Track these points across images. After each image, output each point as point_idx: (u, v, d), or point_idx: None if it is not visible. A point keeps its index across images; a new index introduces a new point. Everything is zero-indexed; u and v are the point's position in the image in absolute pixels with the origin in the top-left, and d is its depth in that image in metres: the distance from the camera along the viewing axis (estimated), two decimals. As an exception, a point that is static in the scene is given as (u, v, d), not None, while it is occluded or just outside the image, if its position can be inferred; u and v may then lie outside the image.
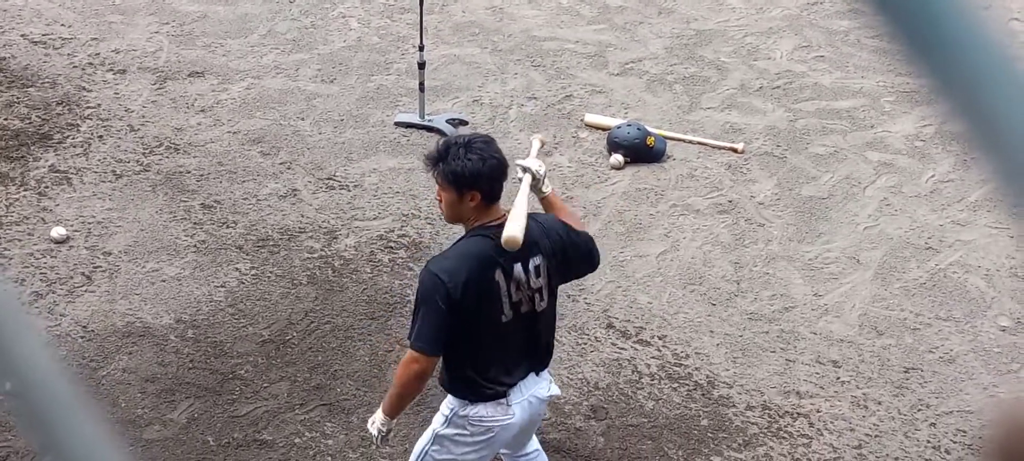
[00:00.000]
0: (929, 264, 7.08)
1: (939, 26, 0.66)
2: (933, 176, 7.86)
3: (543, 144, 5.00)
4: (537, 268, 4.51)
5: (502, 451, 4.92)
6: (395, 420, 4.70)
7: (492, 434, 4.59)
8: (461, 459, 4.64)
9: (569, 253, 4.63)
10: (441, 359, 4.54)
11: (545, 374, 4.72)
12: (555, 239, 4.59)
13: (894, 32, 0.67)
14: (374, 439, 4.71)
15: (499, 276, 4.41)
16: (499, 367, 4.53)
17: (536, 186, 4.70)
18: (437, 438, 4.66)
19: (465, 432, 4.59)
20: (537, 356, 4.66)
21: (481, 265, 4.38)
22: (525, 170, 4.68)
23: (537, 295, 4.53)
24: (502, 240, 4.32)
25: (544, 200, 4.83)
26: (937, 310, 6.72)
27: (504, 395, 4.55)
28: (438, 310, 4.34)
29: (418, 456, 4.73)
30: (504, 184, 4.50)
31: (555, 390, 4.81)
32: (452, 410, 4.59)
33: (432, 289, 4.35)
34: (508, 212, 4.45)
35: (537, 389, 4.66)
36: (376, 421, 4.65)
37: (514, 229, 4.33)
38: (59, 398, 0.78)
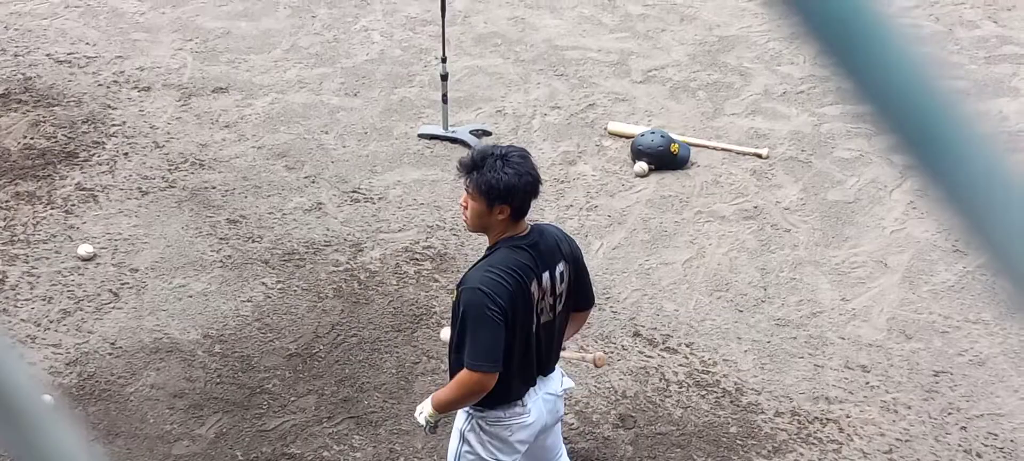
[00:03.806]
0: (957, 266, 7.03)
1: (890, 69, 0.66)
2: (960, 178, 7.80)
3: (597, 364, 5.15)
4: (562, 274, 4.52)
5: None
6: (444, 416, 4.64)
7: (511, 433, 4.59)
8: (497, 458, 4.64)
9: (580, 275, 4.67)
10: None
11: (556, 370, 4.73)
12: (572, 248, 4.64)
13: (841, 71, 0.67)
14: (424, 428, 4.65)
15: (535, 288, 4.41)
16: (521, 375, 4.53)
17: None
18: (463, 438, 4.68)
19: (484, 434, 4.60)
20: (549, 360, 4.67)
21: (521, 277, 4.36)
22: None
23: (558, 300, 4.53)
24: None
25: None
26: (966, 313, 6.68)
27: (520, 398, 4.56)
28: (492, 324, 4.29)
29: (455, 459, 4.75)
30: (534, 201, 4.47)
31: (568, 382, 4.82)
32: (469, 412, 4.60)
33: (483, 307, 4.28)
34: (532, 225, 4.46)
35: (549, 386, 4.68)
36: (425, 412, 4.59)
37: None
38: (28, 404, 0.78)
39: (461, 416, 4.67)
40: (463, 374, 4.38)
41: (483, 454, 4.63)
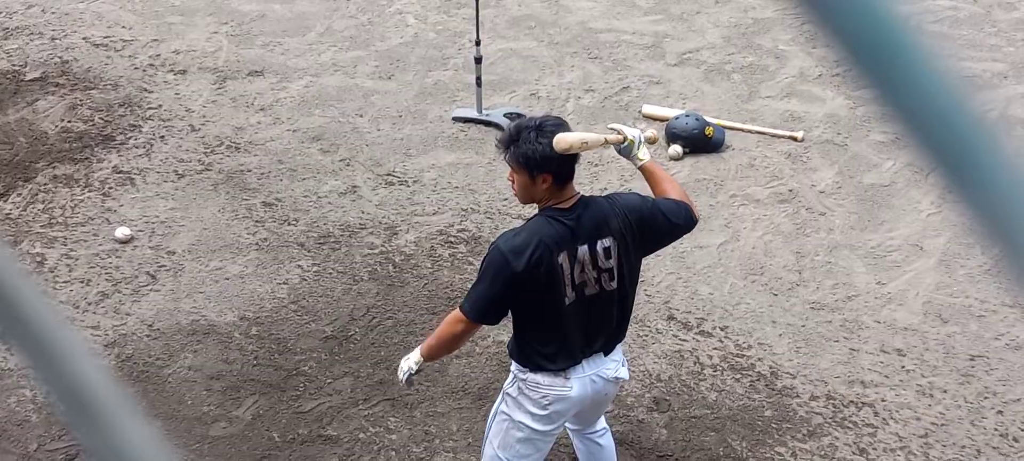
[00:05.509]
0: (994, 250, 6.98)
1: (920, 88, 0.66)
2: (997, 161, 7.75)
3: (653, 141, 4.96)
4: (607, 249, 4.50)
5: (568, 425, 4.94)
6: (427, 363, 4.82)
7: (548, 402, 4.62)
8: (526, 424, 4.69)
9: (648, 225, 4.61)
10: (512, 322, 4.62)
11: (616, 354, 4.69)
12: (628, 218, 4.57)
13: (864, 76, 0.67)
14: (401, 377, 4.76)
15: (563, 259, 4.42)
16: (560, 346, 4.56)
17: (629, 151, 4.70)
18: (505, 395, 4.76)
19: (523, 396, 4.65)
20: (605, 335, 4.63)
21: (548, 248, 4.41)
22: (615, 131, 4.73)
23: (606, 275, 4.51)
24: (554, 142, 4.36)
25: (642, 169, 4.81)
26: (1003, 297, 6.64)
27: (563, 370, 4.59)
28: (495, 286, 4.43)
29: (493, 415, 4.84)
30: (575, 165, 4.50)
31: (623, 373, 4.75)
32: (514, 373, 4.69)
33: (495, 265, 4.43)
34: (581, 196, 4.48)
35: (602, 368, 4.64)
36: (411, 359, 4.74)
37: (565, 135, 4.38)
38: (104, 398, 0.79)
39: (509, 376, 4.74)
40: (451, 313, 4.61)
41: (515, 416, 4.69)
